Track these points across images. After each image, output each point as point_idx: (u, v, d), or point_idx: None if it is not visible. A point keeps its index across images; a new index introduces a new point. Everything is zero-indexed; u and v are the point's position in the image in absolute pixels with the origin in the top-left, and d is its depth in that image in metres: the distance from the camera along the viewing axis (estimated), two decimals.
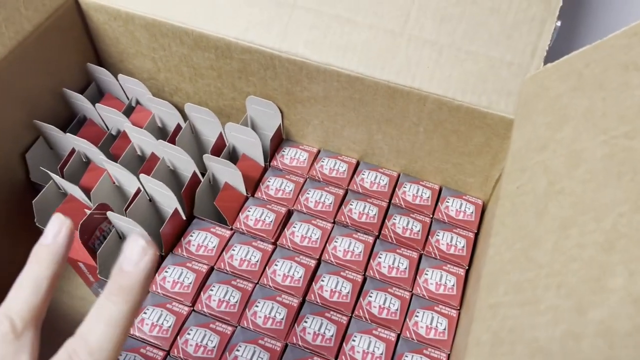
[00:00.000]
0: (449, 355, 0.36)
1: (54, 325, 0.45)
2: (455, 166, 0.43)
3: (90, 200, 0.41)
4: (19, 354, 0.22)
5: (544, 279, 0.23)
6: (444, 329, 0.37)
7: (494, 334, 0.23)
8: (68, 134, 0.43)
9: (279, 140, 0.47)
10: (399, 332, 0.37)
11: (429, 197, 0.44)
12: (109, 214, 0.38)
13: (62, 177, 0.42)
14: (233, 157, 0.46)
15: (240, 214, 0.42)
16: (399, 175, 0.46)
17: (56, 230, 0.24)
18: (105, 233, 0.40)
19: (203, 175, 0.43)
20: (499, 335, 0.23)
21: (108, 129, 0.47)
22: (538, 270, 0.24)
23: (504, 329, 0.23)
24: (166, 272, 0.39)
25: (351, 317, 0.38)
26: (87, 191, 0.42)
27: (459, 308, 0.38)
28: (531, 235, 0.25)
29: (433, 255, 0.41)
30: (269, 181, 0.44)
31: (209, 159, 0.42)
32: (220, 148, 0.45)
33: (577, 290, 0.22)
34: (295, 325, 0.37)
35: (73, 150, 0.43)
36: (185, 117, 0.46)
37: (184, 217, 0.42)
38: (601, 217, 0.23)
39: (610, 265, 0.21)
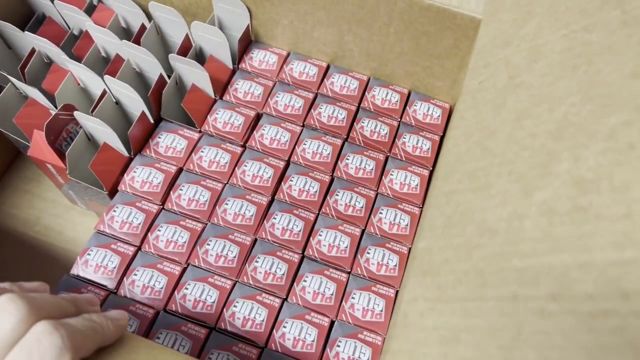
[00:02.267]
0: (409, 249, 0.38)
1: (29, 226, 0.46)
2: (424, 69, 0.43)
3: (55, 103, 0.40)
4: None
5: (496, 167, 0.24)
6: (407, 225, 0.39)
7: (447, 218, 0.24)
8: (27, 32, 0.41)
9: (248, 42, 0.46)
10: (363, 228, 0.39)
11: (397, 101, 0.45)
12: (76, 114, 0.38)
13: (24, 78, 0.41)
14: (200, 58, 0.45)
15: (208, 116, 0.42)
16: (369, 79, 0.46)
17: None
18: (72, 134, 0.40)
19: (169, 77, 0.42)
20: (451, 219, 0.24)
21: (69, 29, 0.45)
22: (492, 159, 0.25)
23: (456, 213, 0.24)
24: (134, 172, 0.39)
25: (318, 213, 0.39)
26: (49, 94, 0.41)
27: (421, 206, 0.40)
28: (488, 127, 0.26)
29: (399, 157, 0.42)
30: (237, 84, 0.44)
31: (174, 59, 0.41)
32: (186, 50, 0.44)
33: (526, 176, 0.23)
34: (265, 221, 0.38)
35: (33, 50, 0.42)
36: (149, 17, 0.44)
37: (152, 121, 0.41)
38: (554, 108, 0.24)
39: (558, 152, 0.22)
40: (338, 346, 0.34)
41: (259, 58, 0.46)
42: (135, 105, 0.40)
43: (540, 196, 0.21)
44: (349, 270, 0.37)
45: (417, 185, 0.41)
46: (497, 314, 0.20)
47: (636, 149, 0.20)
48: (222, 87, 0.44)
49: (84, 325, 0.24)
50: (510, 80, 0.27)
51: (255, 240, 0.38)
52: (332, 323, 0.35)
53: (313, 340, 0.34)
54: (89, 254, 0.36)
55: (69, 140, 0.39)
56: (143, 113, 0.40)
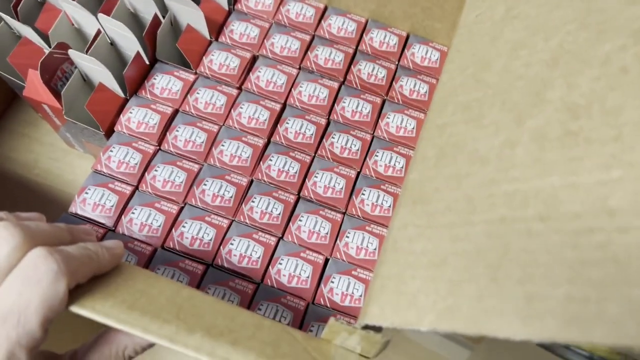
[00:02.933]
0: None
1: (27, 169, 0.46)
2: (424, 10, 0.42)
3: (49, 42, 0.39)
4: None
5: (490, 97, 0.24)
6: (402, 167, 0.39)
7: (439, 149, 0.24)
8: None
9: None
10: (359, 170, 0.39)
11: (395, 44, 0.44)
12: (71, 52, 0.37)
13: (17, 16, 0.41)
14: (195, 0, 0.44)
15: (203, 58, 0.42)
16: (367, 21, 0.45)
17: None
18: (67, 74, 0.39)
19: (164, 18, 0.41)
20: (443, 150, 0.24)
21: None
22: (486, 90, 0.24)
23: (448, 145, 0.24)
24: (130, 113, 0.39)
25: (314, 156, 0.39)
26: (42, 34, 0.40)
27: None
28: (484, 59, 0.26)
29: (396, 100, 0.42)
30: (233, 25, 0.43)
31: None
32: None
33: (519, 104, 0.23)
34: (261, 162, 0.38)
35: None
36: None
37: (147, 61, 0.41)
38: (550, 37, 0.24)
39: (551, 80, 0.22)
40: (332, 282, 0.35)
41: None
42: (130, 45, 0.40)
43: (532, 123, 0.21)
44: (344, 210, 0.38)
45: (413, 128, 0.41)
46: (484, 236, 0.20)
47: (629, 73, 0.19)
48: (217, 28, 0.43)
49: (80, 252, 0.24)
50: (508, 12, 0.27)
51: (252, 181, 0.38)
52: (326, 261, 0.36)
53: (308, 277, 0.35)
54: (86, 193, 0.36)
55: (64, 80, 0.39)
56: (138, 53, 0.39)
